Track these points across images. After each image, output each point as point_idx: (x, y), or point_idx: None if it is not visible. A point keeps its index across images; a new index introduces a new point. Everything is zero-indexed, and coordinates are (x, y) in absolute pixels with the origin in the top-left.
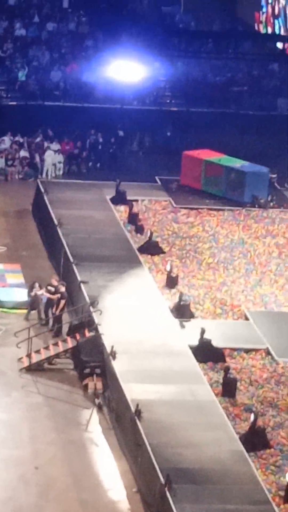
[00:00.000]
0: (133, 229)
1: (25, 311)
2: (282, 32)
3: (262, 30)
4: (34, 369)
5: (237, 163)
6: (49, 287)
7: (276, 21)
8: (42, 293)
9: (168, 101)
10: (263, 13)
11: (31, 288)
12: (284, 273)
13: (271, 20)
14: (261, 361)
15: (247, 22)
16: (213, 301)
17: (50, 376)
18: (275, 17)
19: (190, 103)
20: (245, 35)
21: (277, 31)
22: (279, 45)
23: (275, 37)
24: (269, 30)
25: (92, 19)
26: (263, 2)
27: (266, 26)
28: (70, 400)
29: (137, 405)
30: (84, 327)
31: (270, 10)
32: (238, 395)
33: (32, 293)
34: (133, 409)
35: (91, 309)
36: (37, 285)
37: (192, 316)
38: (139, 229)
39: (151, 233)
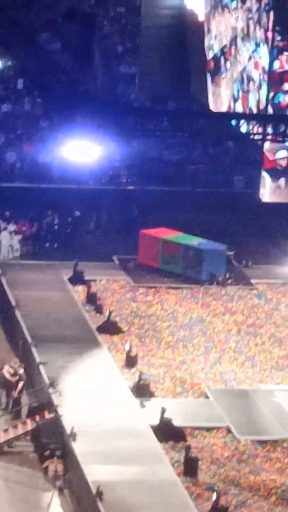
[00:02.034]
0: (91, 309)
1: None
2: (240, 94)
3: (222, 93)
4: None
5: (195, 241)
6: (8, 369)
7: (234, 85)
8: (2, 375)
9: (124, 180)
10: (222, 78)
11: None
12: (243, 350)
13: (230, 83)
14: (222, 439)
15: (201, 100)
16: (173, 380)
17: (10, 459)
18: (234, 80)
19: (146, 182)
20: (200, 113)
21: (235, 94)
22: (234, 122)
23: (230, 115)
24: (228, 93)
25: (47, 100)
26: (222, 68)
27: (225, 90)
28: (31, 483)
29: (98, 487)
30: (43, 408)
31: (229, 75)
32: (200, 475)
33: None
34: (94, 491)
35: (51, 390)
36: (6, 367)
37: (152, 395)
38: (98, 309)
39: (110, 313)
